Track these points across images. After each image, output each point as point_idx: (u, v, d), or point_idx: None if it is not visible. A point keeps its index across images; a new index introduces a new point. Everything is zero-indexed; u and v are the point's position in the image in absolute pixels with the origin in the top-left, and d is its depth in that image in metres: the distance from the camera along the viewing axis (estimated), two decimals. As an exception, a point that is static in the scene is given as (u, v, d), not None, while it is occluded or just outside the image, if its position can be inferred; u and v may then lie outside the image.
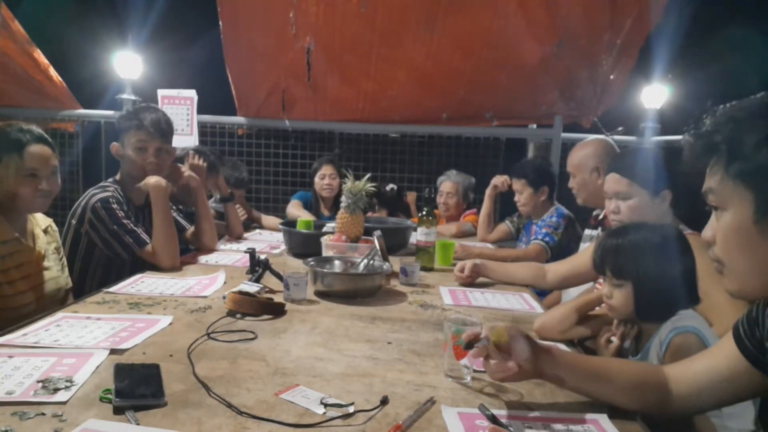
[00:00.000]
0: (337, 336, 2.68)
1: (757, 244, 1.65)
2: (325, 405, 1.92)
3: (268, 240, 5.14)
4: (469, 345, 2.05)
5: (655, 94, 7.27)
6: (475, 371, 2.26)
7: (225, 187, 5.17)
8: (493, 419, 1.88)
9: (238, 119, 7.37)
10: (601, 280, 3.37)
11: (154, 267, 3.80)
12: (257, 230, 5.75)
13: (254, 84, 7.10)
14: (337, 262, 3.73)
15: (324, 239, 4.18)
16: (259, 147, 7.52)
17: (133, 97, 6.98)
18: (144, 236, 3.81)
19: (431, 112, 7.27)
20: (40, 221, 3.48)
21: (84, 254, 3.80)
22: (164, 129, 4.02)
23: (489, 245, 5.54)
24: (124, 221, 3.77)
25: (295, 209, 6.00)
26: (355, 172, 4.49)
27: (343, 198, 4.28)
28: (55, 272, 3.46)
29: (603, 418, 1.93)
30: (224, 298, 2.98)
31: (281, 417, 1.82)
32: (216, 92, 7.31)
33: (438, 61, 6.59)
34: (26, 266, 3.23)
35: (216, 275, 3.64)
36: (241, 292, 2.99)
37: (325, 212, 6.12)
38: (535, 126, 7.55)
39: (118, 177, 4.07)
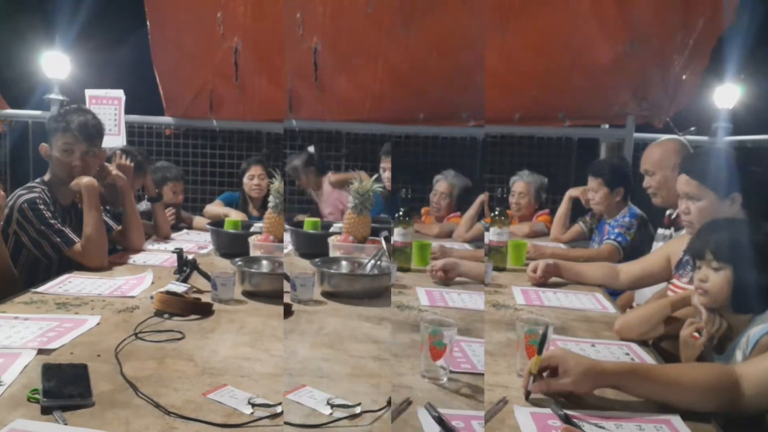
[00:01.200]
0: (344, 337, 2.72)
1: None
2: (332, 406, 1.94)
3: (196, 240, 5.11)
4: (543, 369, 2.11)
5: (728, 94, 7.20)
6: (451, 372, 2.28)
7: (153, 187, 5.14)
8: (566, 419, 1.91)
9: (166, 119, 7.31)
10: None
11: (82, 267, 3.79)
12: (185, 230, 5.73)
13: (182, 84, 7.05)
14: (344, 263, 3.75)
15: (331, 240, 4.22)
16: (187, 147, 7.47)
17: (60, 97, 6.87)
18: (72, 236, 3.80)
19: (505, 113, 7.18)
20: None
21: (11, 255, 3.77)
22: (92, 132, 3.99)
23: (561, 245, 5.52)
24: (52, 221, 3.75)
25: (216, 207, 5.98)
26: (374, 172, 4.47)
27: (350, 198, 4.30)
28: None
29: (676, 419, 1.97)
30: (152, 298, 2.98)
31: (209, 417, 1.84)
32: (144, 92, 7.26)
33: (511, 61, 6.55)
34: None
35: (143, 275, 3.63)
36: (168, 292, 3.00)
37: (254, 212, 6.10)
38: (607, 126, 7.49)
39: (46, 177, 4.04)
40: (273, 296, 3.27)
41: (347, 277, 3.51)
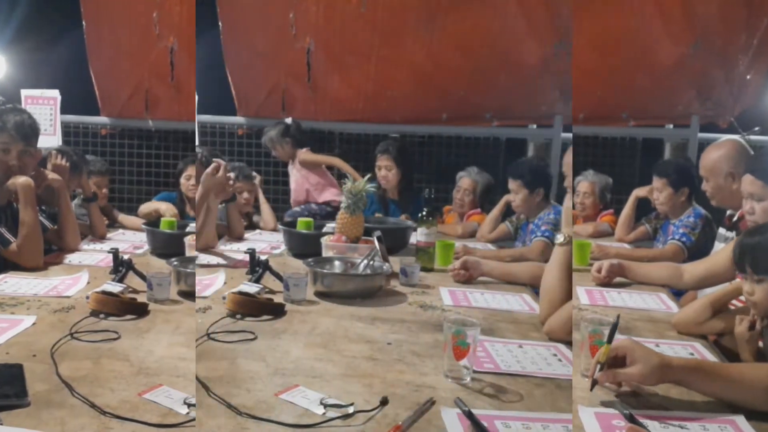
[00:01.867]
0: (337, 337, 2.74)
1: None
2: (325, 405, 1.96)
3: (132, 240, 5.08)
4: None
5: (792, 94, 7.12)
6: (474, 372, 2.31)
7: (88, 187, 5.11)
8: (631, 418, 1.93)
9: (102, 119, 7.28)
10: (738, 281, 3.40)
11: (17, 267, 3.76)
12: (120, 230, 5.68)
13: (117, 84, 7.03)
14: (336, 263, 3.77)
15: (323, 240, 4.22)
16: (123, 147, 7.44)
17: (-4, 98, 6.84)
18: (8, 235, 3.78)
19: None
20: None
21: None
22: (28, 132, 3.98)
23: (626, 245, 5.47)
24: (-14, 221, 3.74)
25: (147, 204, 5.93)
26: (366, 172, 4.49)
27: (343, 198, 4.31)
28: None
29: (740, 419, 1.98)
30: (87, 298, 2.97)
31: (145, 417, 1.85)
32: (80, 92, 7.21)
33: (577, 62, 6.42)
34: None
35: (79, 275, 3.60)
36: (104, 292, 2.99)
37: (191, 213, 6.05)
38: (671, 126, 7.50)
39: (-19, 178, 4.02)
40: (346, 297, 3.36)
41: (340, 277, 3.54)
